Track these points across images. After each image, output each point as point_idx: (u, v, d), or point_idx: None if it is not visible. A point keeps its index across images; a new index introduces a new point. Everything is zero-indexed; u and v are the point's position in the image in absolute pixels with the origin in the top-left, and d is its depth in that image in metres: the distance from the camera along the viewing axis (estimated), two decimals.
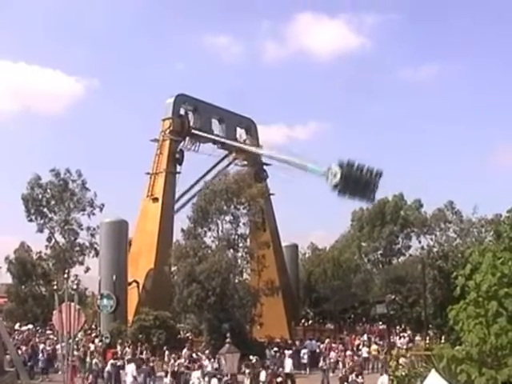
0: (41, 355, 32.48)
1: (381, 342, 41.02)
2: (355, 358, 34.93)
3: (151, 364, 29.95)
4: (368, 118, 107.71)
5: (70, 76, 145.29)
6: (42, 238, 54.74)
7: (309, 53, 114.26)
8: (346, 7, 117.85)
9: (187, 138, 46.93)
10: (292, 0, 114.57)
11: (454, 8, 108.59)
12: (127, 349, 33.70)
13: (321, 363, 32.52)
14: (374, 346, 37.88)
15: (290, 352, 32.85)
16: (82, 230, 54.32)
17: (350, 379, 23.76)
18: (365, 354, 36.24)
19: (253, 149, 48.90)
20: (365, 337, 43.82)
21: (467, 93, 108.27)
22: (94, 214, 53.84)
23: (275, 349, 34.26)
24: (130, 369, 27.01)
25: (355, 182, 38.20)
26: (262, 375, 26.20)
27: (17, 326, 45.26)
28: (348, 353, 35.79)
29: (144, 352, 32.84)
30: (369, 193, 40.29)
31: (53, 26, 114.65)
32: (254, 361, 27.36)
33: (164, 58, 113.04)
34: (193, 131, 46.67)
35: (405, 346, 35.69)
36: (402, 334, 44.70)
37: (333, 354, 35.10)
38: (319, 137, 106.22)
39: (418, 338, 41.00)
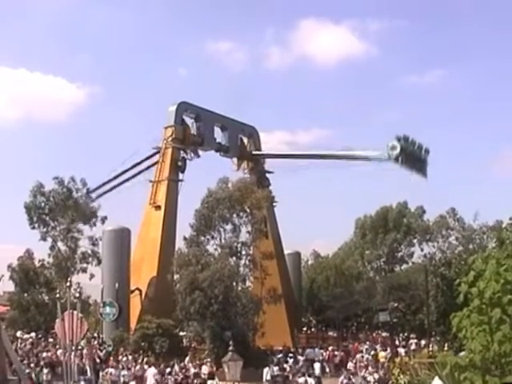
0: (43, 363, 32.36)
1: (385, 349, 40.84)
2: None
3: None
4: (371, 124, 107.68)
5: (72, 83, 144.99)
6: (44, 247, 54.79)
7: (313, 59, 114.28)
8: (351, 13, 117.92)
9: (190, 146, 47.00)
10: (296, 6, 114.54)
11: (460, 14, 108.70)
12: (129, 357, 33.55)
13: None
14: (381, 353, 37.68)
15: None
16: (84, 238, 54.28)
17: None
18: None
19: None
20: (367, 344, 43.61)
21: (471, 99, 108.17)
22: (95, 224, 53.82)
23: (290, 355, 34.59)
24: (152, 372, 27.11)
25: (411, 154, 43.53)
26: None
27: (18, 334, 45.13)
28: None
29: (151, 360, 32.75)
30: (422, 167, 44.92)
31: (54, 32, 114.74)
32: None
33: (167, 64, 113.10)
34: (195, 139, 46.79)
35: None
36: (410, 342, 44.35)
37: (350, 364, 35.19)
38: (321, 143, 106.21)
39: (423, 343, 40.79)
